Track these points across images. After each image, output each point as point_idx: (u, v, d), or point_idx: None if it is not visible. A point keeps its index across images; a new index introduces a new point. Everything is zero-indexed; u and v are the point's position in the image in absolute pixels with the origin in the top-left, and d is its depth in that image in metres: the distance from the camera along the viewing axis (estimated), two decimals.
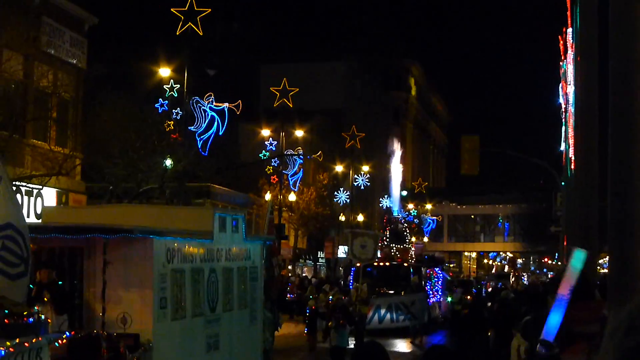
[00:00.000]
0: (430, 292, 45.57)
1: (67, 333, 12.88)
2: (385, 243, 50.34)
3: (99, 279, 13.76)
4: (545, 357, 6.05)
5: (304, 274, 66.34)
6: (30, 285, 13.02)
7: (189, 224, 15.93)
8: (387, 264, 44.81)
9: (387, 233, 54.11)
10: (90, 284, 14.10)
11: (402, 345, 35.96)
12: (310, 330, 33.51)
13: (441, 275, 50.02)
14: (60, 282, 13.96)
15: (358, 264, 38.15)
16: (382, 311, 38.68)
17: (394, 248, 51.26)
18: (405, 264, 45.68)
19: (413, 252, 52.91)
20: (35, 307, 12.92)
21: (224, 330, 16.45)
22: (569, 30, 27.24)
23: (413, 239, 77.88)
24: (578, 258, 5.88)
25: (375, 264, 42.23)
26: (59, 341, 12.54)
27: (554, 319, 5.95)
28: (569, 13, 26.16)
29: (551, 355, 5.96)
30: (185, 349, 14.98)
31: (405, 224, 59.49)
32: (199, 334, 15.57)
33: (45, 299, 13.57)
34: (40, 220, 23.94)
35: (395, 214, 63.01)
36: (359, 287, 36.33)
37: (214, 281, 16.16)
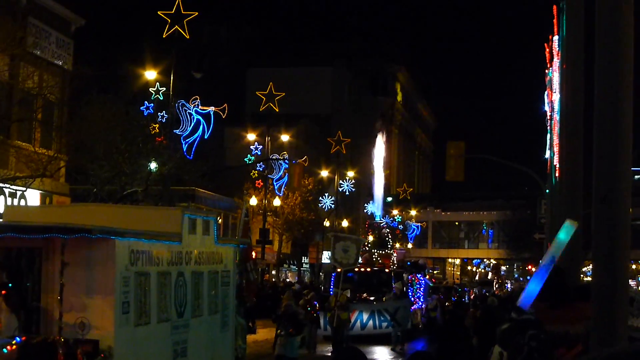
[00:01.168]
0: (412, 298, 45.33)
1: (18, 338, 12.44)
2: (367, 248, 50.19)
3: (56, 281, 13.05)
4: (517, 321, 6.08)
5: (288, 279, 66.31)
6: None
7: (157, 225, 15.13)
8: (369, 269, 44.39)
9: (370, 238, 54.13)
10: (48, 287, 13.36)
11: (382, 352, 35.82)
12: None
13: (423, 281, 49.74)
14: (10, 284, 13.24)
15: (339, 269, 37.82)
16: (365, 317, 38.34)
17: (376, 254, 51.12)
18: (387, 270, 45.31)
19: (395, 258, 52.62)
20: None
21: (192, 337, 15.70)
22: (555, 37, 27.36)
23: (397, 245, 77.99)
24: (567, 230, 5.90)
25: (357, 269, 41.92)
26: (8, 347, 12.17)
27: (533, 287, 5.98)
28: (555, 21, 26.27)
29: (522, 320, 5.99)
30: (149, 356, 14.18)
31: (388, 229, 59.51)
32: (165, 341, 14.76)
33: None
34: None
35: (377, 219, 63.04)
36: (338, 293, 35.84)
37: (182, 285, 15.37)
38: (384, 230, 58.24)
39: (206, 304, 16.38)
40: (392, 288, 41.85)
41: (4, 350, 12.06)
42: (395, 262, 50.39)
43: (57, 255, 13.00)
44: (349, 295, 36.75)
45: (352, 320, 37.13)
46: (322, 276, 62.54)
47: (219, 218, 60.95)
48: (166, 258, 14.78)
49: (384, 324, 38.20)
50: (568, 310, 6.90)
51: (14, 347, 12.37)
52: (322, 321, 35.73)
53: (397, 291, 40.98)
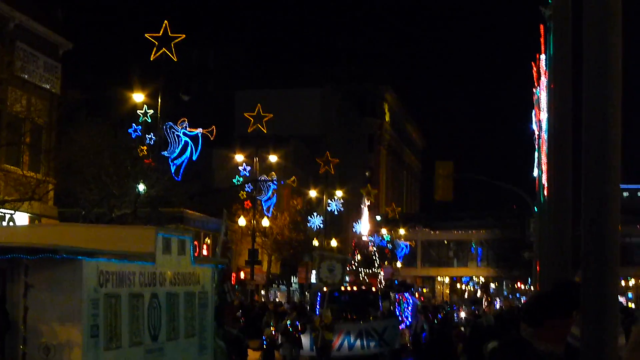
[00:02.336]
0: (400, 317, 45.08)
1: None
2: (354, 268, 50.14)
3: (20, 304, 12.52)
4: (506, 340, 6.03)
5: (277, 299, 66.22)
6: None
7: (130, 245, 14.57)
8: (355, 289, 44.18)
9: (357, 257, 54.21)
10: (12, 310, 12.67)
11: None
12: (265, 357, 32.44)
13: (411, 300, 49.49)
14: None
15: (325, 289, 37.54)
16: (352, 338, 37.97)
17: (362, 273, 51.12)
18: (374, 289, 45.05)
19: (382, 277, 52.52)
20: None
21: None
22: (543, 56, 27.44)
23: (385, 263, 77.98)
24: None
25: (343, 288, 41.72)
26: None
27: None
28: (542, 40, 26.35)
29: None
30: None
31: (375, 249, 59.66)
32: None
33: None
34: None
35: (364, 238, 63.21)
36: (323, 313, 35.50)
37: (156, 307, 14.67)
38: (370, 249, 58.43)
39: (182, 326, 15.75)
40: (379, 308, 41.66)
41: None
42: (382, 281, 50.25)
43: (21, 277, 12.54)
44: (330, 315, 36.51)
45: (340, 341, 36.87)
46: (308, 296, 62.51)
47: (207, 239, 60.99)
48: (138, 279, 14.18)
49: (372, 344, 37.85)
50: (547, 328, 6.85)
51: None
52: (305, 341, 35.54)
53: (385, 310, 40.75)
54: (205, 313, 16.87)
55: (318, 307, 38.66)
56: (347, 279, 44.28)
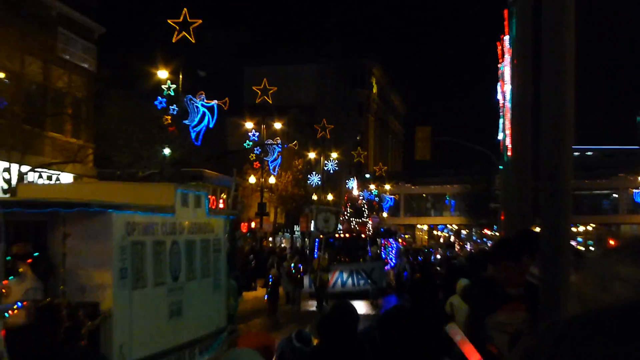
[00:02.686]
0: (385, 259, 45.09)
1: (19, 304, 11.78)
2: (346, 218, 50.02)
3: (59, 251, 12.57)
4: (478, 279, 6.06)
5: (282, 245, 66.36)
6: (8, 258, 12.26)
7: (153, 199, 14.47)
8: (347, 235, 44.09)
9: (348, 209, 54.10)
10: (53, 256, 12.65)
11: (360, 305, 35.83)
12: (271, 296, 32.38)
13: (395, 245, 49.44)
14: (36, 254, 12.63)
15: (321, 236, 37.55)
16: (345, 276, 38.02)
17: (353, 222, 51.01)
18: (363, 236, 45.01)
19: (370, 225, 52.45)
20: (10, 278, 12.34)
21: (187, 298, 15.12)
22: (506, 37, 27.35)
23: (374, 213, 77.92)
24: None
25: (337, 235, 41.64)
26: (9, 311, 11.63)
27: None
28: (506, 23, 26.27)
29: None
30: (146, 316, 13.61)
31: (364, 201, 59.52)
32: (161, 302, 14.21)
33: (21, 270, 12.41)
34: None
35: (354, 192, 63.09)
36: (320, 257, 35.55)
37: (177, 252, 14.78)
38: (360, 202, 58.29)
39: (199, 268, 15.85)
40: (368, 251, 41.68)
41: (6, 314, 11.47)
42: (370, 229, 50.20)
43: (60, 228, 12.58)
44: (326, 258, 36.53)
45: (334, 279, 36.92)
46: (308, 242, 62.57)
47: (223, 194, 60.99)
48: (161, 228, 14.20)
49: (362, 282, 37.94)
50: (507, 270, 6.86)
51: (16, 311, 11.73)
52: (305, 281, 35.59)
53: (373, 254, 40.77)
54: (219, 257, 16.93)
55: (316, 251, 38.77)
56: (341, 227, 44.22)
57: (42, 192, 15.85)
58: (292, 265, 35.77)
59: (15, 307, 11.81)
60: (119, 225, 12.72)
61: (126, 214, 13.02)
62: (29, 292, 12.33)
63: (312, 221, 37.19)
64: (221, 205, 60.20)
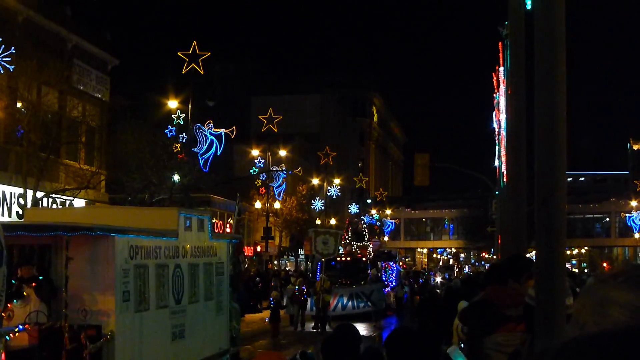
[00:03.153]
0: (386, 282, 44.77)
1: (21, 327, 11.59)
2: (348, 241, 49.79)
3: (62, 274, 12.20)
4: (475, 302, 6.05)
5: (287, 268, 66.24)
6: (13, 281, 12.03)
7: (157, 223, 14.20)
8: (349, 258, 43.78)
9: (349, 233, 53.84)
10: (56, 279, 12.49)
11: (362, 327, 35.55)
12: (272, 318, 31.77)
13: (395, 268, 49.13)
14: (40, 277, 12.42)
15: (323, 259, 37.22)
16: (345, 300, 37.57)
17: (355, 245, 50.77)
18: (364, 259, 44.70)
19: (371, 249, 52.22)
20: (15, 301, 12.15)
21: (190, 321, 14.75)
22: (501, 68, 27.38)
23: (378, 239, 77.78)
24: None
25: (338, 258, 41.27)
26: (11, 335, 11.41)
27: None
28: (500, 55, 26.29)
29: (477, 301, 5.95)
30: (149, 339, 13.26)
31: (365, 225, 59.28)
32: (164, 324, 13.86)
33: (25, 293, 12.23)
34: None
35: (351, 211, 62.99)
36: (323, 278, 35.12)
37: (179, 275, 14.38)
38: (360, 226, 58.07)
39: (202, 291, 15.48)
40: (368, 274, 41.38)
41: (7, 337, 11.26)
42: (371, 252, 49.97)
43: (63, 251, 12.26)
44: (328, 280, 36.14)
45: (334, 303, 36.47)
46: (310, 265, 62.34)
47: (230, 219, 60.93)
48: (164, 252, 13.92)
49: (361, 305, 37.49)
50: (502, 293, 6.86)
51: (17, 334, 11.54)
52: (309, 303, 35.28)
53: (373, 276, 40.42)
54: (221, 280, 16.63)
55: (318, 273, 38.46)
56: (342, 250, 44.00)
57: (47, 217, 15.69)
58: (297, 287, 35.55)
59: (16, 329, 11.57)
60: (122, 249, 12.48)
61: (129, 238, 12.78)
62: (32, 315, 12.14)
63: (312, 244, 36.75)
64: (228, 230, 60.18)
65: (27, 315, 12.09)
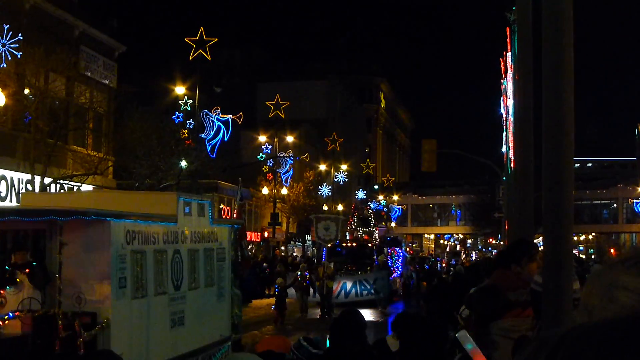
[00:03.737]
0: (392, 268, 44.41)
1: (10, 314, 11.32)
2: (353, 227, 49.60)
3: (56, 260, 11.78)
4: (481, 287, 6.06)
5: (294, 254, 66.34)
6: (6, 267, 11.92)
7: (155, 208, 13.78)
8: (355, 244, 43.31)
9: (355, 219, 53.70)
10: (50, 265, 12.02)
11: (367, 313, 35.41)
12: (278, 305, 31.28)
13: (401, 253, 48.62)
14: (34, 263, 12.02)
15: (329, 245, 36.80)
16: (348, 286, 37.15)
17: (360, 231, 50.57)
18: (370, 245, 44.27)
19: (377, 234, 51.90)
20: (8, 288, 11.92)
21: (189, 307, 14.34)
22: (509, 54, 27.31)
23: (384, 224, 77.76)
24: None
25: (344, 244, 40.89)
26: (3, 322, 11.22)
27: None
28: (508, 40, 26.23)
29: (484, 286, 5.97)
30: (147, 326, 12.87)
31: (371, 211, 59.24)
32: (162, 311, 13.43)
33: (18, 280, 11.87)
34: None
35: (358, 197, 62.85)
36: (325, 265, 34.81)
37: (179, 261, 13.98)
38: (366, 212, 57.99)
39: (202, 277, 15.03)
40: (374, 260, 40.99)
41: None
42: (377, 238, 49.61)
43: (57, 236, 11.83)
44: (332, 267, 35.65)
45: (338, 289, 36.12)
46: (315, 251, 62.31)
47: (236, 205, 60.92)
48: (162, 237, 13.45)
49: (365, 292, 37.03)
50: (507, 277, 6.91)
51: (7, 322, 11.29)
52: (312, 289, 35.00)
53: (380, 263, 40.09)
54: (223, 266, 16.15)
55: (323, 260, 38.11)
56: (348, 236, 43.73)
57: (44, 201, 15.25)
58: (299, 273, 35.39)
59: (6, 317, 11.32)
60: (118, 234, 12.08)
61: (126, 223, 12.36)
62: (25, 302, 11.83)
63: (314, 230, 36.43)
64: (235, 215, 60.24)
65: (20, 302, 11.77)
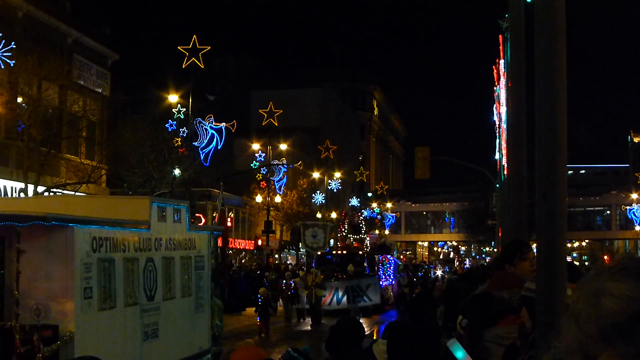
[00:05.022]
0: (383, 276, 43.70)
1: None
2: (344, 234, 49.21)
3: (13, 268, 10.90)
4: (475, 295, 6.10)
5: (288, 262, 66.28)
6: None
7: (127, 213, 13.00)
8: (345, 252, 42.66)
9: (345, 225, 53.38)
10: (7, 275, 11.07)
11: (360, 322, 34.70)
12: (261, 315, 29.70)
13: (393, 261, 47.97)
14: None
15: (318, 253, 36.08)
16: (340, 294, 36.67)
17: (351, 238, 50.18)
18: (360, 252, 43.55)
19: (368, 242, 51.40)
20: None
21: (164, 319, 13.45)
22: (502, 61, 27.36)
23: (376, 232, 77.71)
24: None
25: (334, 252, 40.22)
26: None
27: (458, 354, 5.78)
28: (501, 47, 26.29)
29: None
30: (116, 339, 12.00)
31: (362, 218, 59.00)
32: (134, 324, 12.55)
33: None
34: None
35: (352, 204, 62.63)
36: (315, 272, 33.95)
37: (152, 270, 13.11)
38: (357, 218, 57.72)
39: (179, 287, 14.13)
40: (365, 267, 40.30)
41: None
42: (368, 245, 48.97)
43: (14, 243, 10.96)
44: (320, 275, 34.55)
45: (330, 296, 35.45)
46: (305, 258, 62.08)
47: (230, 213, 60.91)
48: (133, 244, 12.57)
49: (357, 299, 36.52)
50: (502, 278, 6.99)
51: None
52: (303, 297, 33.86)
53: (350, 272, 37.70)
54: (201, 274, 15.23)
55: (313, 267, 37.24)
56: (338, 244, 43.17)
57: (3, 206, 14.09)
58: (284, 281, 34.70)
59: None
60: (82, 241, 11.22)
61: (91, 229, 11.50)
62: None
63: (301, 238, 35.71)
64: (229, 224, 60.14)
65: None
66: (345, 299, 36.12)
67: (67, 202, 14.59)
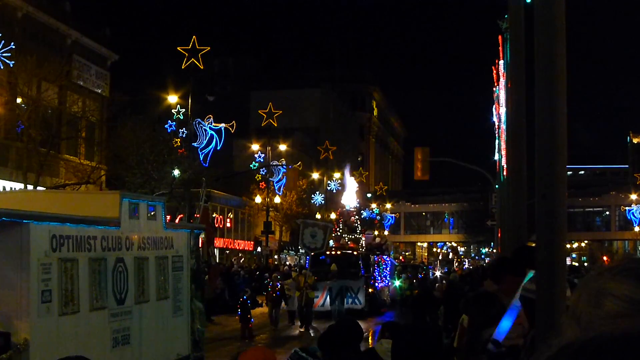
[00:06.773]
0: (379, 277, 42.50)
1: None
2: (339, 234, 48.74)
3: None
4: (493, 354, 6.06)
5: (287, 262, 66.21)
6: None
7: (95, 209, 12.00)
8: (339, 252, 41.01)
9: (340, 225, 53.01)
10: None
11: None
12: (242, 319, 28.28)
13: (389, 261, 47.07)
14: None
15: (312, 253, 35.43)
16: (333, 294, 35.44)
17: (346, 238, 49.74)
18: (355, 252, 42.80)
19: (363, 242, 50.77)
20: None
21: (136, 324, 12.44)
22: (501, 62, 27.35)
23: (376, 232, 77.56)
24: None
25: (328, 252, 39.39)
26: None
27: (505, 324, 5.83)
28: (500, 48, 26.28)
29: (498, 353, 5.98)
30: (80, 346, 10.76)
31: (357, 218, 58.60)
32: (101, 329, 11.53)
33: None
34: None
35: (347, 208, 62.40)
36: (307, 274, 33.04)
37: (122, 271, 12.05)
38: (352, 218, 57.33)
39: (153, 289, 13.07)
40: (360, 268, 38.73)
41: None
42: (363, 245, 48.15)
43: None
44: (312, 276, 33.41)
45: (323, 298, 34.79)
46: (299, 259, 61.81)
47: (230, 213, 60.90)
48: (100, 243, 11.53)
49: (350, 301, 35.97)
50: (508, 283, 6.95)
51: None
52: (293, 299, 32.56)
53: (333, 272, 36.43)
54: (180, 276, 14.19)
55: (307, 268, 36.31)
56: (332, 244, 42.36)
57: None
58: (270, 283, 33.54)
59: None
60: (40, 239, 10.21)
61: (50, 226, 10.47)
62: None
63: (299, 236, 34.68)
64: (228, 224, 60.17)
65: None
66: (337, 300, 35.39)
67: (27, 197, 13.60)
